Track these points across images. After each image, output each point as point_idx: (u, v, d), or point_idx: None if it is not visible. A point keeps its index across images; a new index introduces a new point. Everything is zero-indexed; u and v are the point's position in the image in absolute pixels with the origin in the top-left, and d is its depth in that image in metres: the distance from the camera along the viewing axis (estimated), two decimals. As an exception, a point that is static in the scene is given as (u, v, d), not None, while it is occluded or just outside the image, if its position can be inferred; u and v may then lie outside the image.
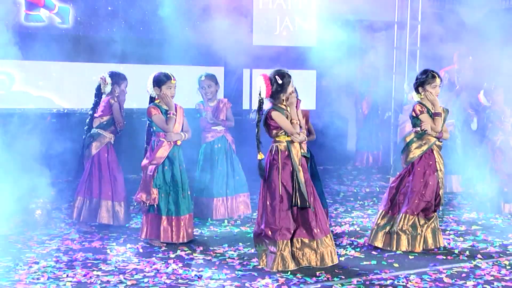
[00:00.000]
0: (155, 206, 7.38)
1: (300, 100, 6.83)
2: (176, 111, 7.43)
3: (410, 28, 13.40)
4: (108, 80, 8.03)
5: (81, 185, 8.09)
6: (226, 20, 10.03)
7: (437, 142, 7.45)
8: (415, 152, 7.41)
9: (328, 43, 11.24)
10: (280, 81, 6.51)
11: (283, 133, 6.56)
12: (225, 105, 8.82)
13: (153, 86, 7.42)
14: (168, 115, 7.39)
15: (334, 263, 6.62)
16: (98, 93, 8.12)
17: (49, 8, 10.22)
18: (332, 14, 11.05)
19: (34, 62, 9.70)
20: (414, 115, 7.42)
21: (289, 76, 6.56)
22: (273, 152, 6.62)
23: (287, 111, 6.57)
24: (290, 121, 6.55)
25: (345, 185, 11.61)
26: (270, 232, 6.53)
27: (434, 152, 7.43)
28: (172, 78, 7.40)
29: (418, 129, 7.41)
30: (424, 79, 7.42)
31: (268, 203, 6.59)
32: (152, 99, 7.51)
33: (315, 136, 7.62)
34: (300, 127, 6.66)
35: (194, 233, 7.85)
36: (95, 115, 8.07)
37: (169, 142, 7.42)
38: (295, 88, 6.81)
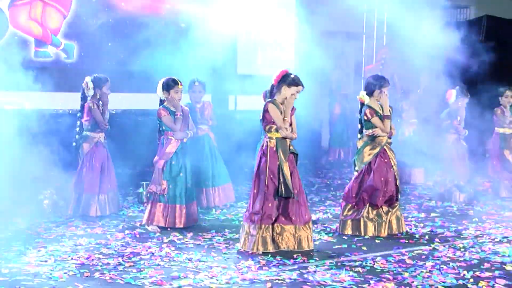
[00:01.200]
0: (165, 196, 7.40)
1: (295, 108, 6.81)
2: (182, 112, 7.47)
3: (376, 38, 13.45)
4: (90, 84, 7.96)
5: (77, 183, 8.02)
6: (215, 52, 10.16)
7: (388, 140, 7.46)
8: (371, 153, 7.40)
9: (303, 71, 11.40)
10: (284, 79, 6.56)
11: (274, 128, 6.56)
12: (209, 105, 8.89)
13: (162, 90, 7.46)
14: (176, 116, 7.42)
15: (310, 248, 6.63)
16: (83, 96, 8.08)
17: (56, 45, 10.31)
18: (308, 37, 11.19)
19: (42, 93, 9.73)
20: (366, 118, 7.40)
21: (294, 85, 6.55)
22: (264, 147, 6.64)
23: (283, 108, 6.58)
24: (283, 118, 6.56)
25: (319, 178, 11.63)
26: (254, 217, 6.55)
27: (387, 150, 7.44)
28: (179, 83, 7.46)
29: (370, 131, 7.40)
30: (383, 83, 7.41)
31: (255, 191, 6.61)
32: (161, 102, 7.54)
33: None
34: (292, 129, 6.66)
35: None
36: (82, 119, 8.04)
37: (176, 140, 7.45)
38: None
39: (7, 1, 10.07)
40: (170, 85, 7.43)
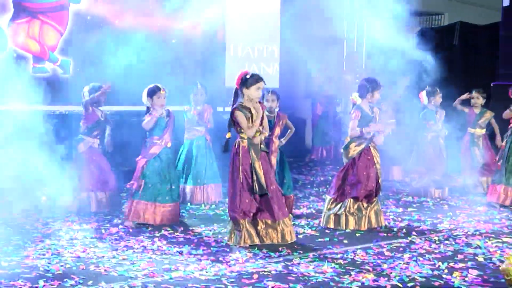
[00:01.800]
0: (139, 193, 7.35)
1: (265, 106, 6.79)
2: (169, 117, 7.46)
3: (357, 43, 13.47)
4: (86, 94, 8.02)
5: (75, 181, 7.98)
6: (203, 65, 10.11)
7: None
8: (356, 149, 7.40)
9: (288, 85, 11.52)
10: (242, 81, 6.48)
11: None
12: (209, 108, 8.92)
13: (147, 97, 7.43)
14: (153, 118, 7.38)
15: (293, 241, 6.63)
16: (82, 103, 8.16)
17: (53, 61, 10.32)
18: (292, 43, 11.20)
19: (40, 107, 9.69)
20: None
21: (253, 84, 6.45)
22: (236, 146, 6.57)
23: (251, 111, 6.52)
24: (252, 121, 6.51)
25: (303, 175, 11.63)
26: (233, 214, 6.52)
27: (371, 148, 7.44)
28: (162, 89, 7.42)
29: (365, 129, 7.39)
30: (376, 86, 7.38)
31: (231, 190, 6.56)
32: (148, 109, 7.51)
33: (294, 129, 7.98)
34: (263, 127, 6.61)
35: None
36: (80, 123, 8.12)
37: (161, 143, 7.42)
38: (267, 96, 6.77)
39: (7, 19, 10.11)
40: (153, 91, 7.41)
